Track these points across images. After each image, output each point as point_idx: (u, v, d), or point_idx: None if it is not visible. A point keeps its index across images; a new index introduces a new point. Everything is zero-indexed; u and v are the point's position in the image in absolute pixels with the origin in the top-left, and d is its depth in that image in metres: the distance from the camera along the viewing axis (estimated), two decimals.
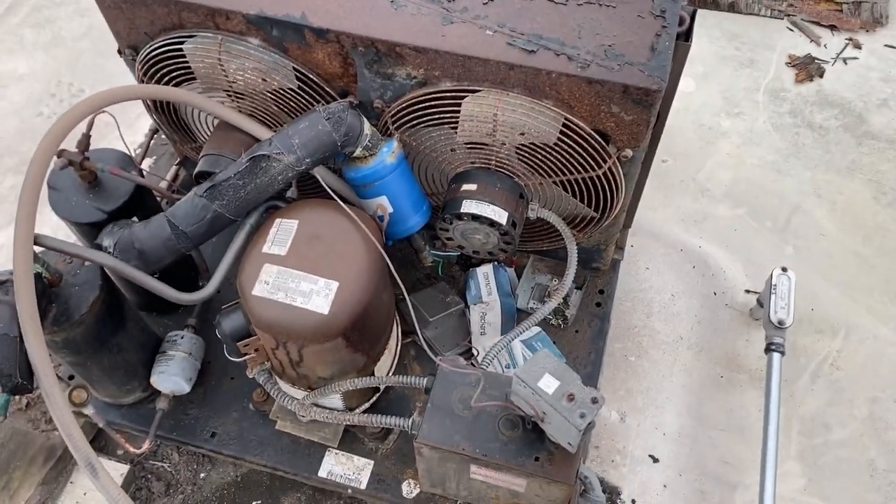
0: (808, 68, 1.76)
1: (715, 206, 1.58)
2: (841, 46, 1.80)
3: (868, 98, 1.71)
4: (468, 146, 1.10)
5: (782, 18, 1.87)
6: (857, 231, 1.55)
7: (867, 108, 1.70)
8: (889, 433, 1.29)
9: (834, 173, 1.62)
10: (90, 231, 1.08)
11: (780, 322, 1.28)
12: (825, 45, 1.81)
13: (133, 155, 1.20)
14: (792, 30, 1.85)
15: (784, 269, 1.33)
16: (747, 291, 1.46)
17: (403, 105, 1.04)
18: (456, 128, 1.06)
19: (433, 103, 1.03)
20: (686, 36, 0.99)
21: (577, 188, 1.10)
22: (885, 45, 1.80)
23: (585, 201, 1.12)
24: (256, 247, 0.99)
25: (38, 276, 0.91)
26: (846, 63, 1.77)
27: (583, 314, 1.31)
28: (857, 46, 1.80)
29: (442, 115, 1.04)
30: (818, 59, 1.77)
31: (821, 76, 1.75)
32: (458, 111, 1.02)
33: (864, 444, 1.28)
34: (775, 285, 1.31)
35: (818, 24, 1.84)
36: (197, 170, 1.08)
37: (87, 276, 1.01)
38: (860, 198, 1.58)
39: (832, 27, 1.83)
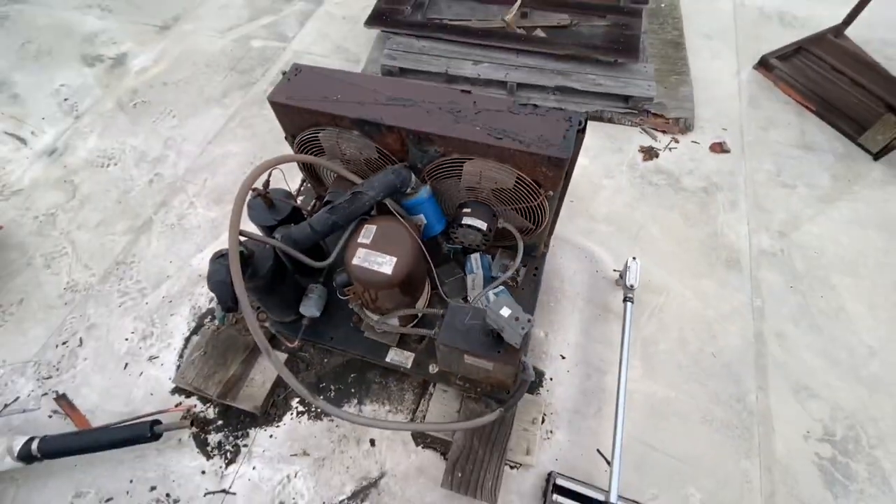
0: (650, 153, 2.55)
1: (598, 225, 2.28)
2: (667, 141, 2.60)
3: (682, 169, 2.50)
4: (466, 189, 1.61)
5: (636, 127, 2.66)
6: (673, 240, 2.25)
7: (681, 175, 2.45)
8: (687, 347, 1.95)
9: (662, 209, 2.35)
10: (268, 231, 1.62)
11: (631, 286, 1.89)
12: (659, 141, 2.61)
13: (292, 192, 1.75)
14: (642, 133, 2.66)
15: (634, 258, 1.93)
16: (615, 270, 2.11)
17: (433, 166, 1.57)
18: (460, 179, 1.58)
19: (448, 165, 1.54)
20: (583, 130, 1.48)
21: (524, 212, 1.61)
22: (692, 142, 2.62)
23: (528, 219, 1.64)
24: (354, 239, 1.49)
25: (241, 253, 1.38)
26: (671, 150, 2.57)
27: (526, 280, 1.87)
28: (676, 141, 2.60)
29: (452, 172, 1.56)
30: (655, 148, 2.57)
31: (657, 157, 2.55)
32: (461, 170, 1.54)
33: (675, 352, 1.93)
34: (629, 266, 1.92)
35: (656, 129, 2.62)
36: (326, 199, 1.62)
37: (266, 253, 1.53)
38: (676, 222, 2.29)
39: (663, 131, 2.64)
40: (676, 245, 2.30)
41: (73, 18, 3.51)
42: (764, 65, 3.02)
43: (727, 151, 2.66)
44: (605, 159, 2.61)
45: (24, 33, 3.41)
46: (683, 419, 1.86)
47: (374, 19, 3.02)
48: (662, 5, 3.33)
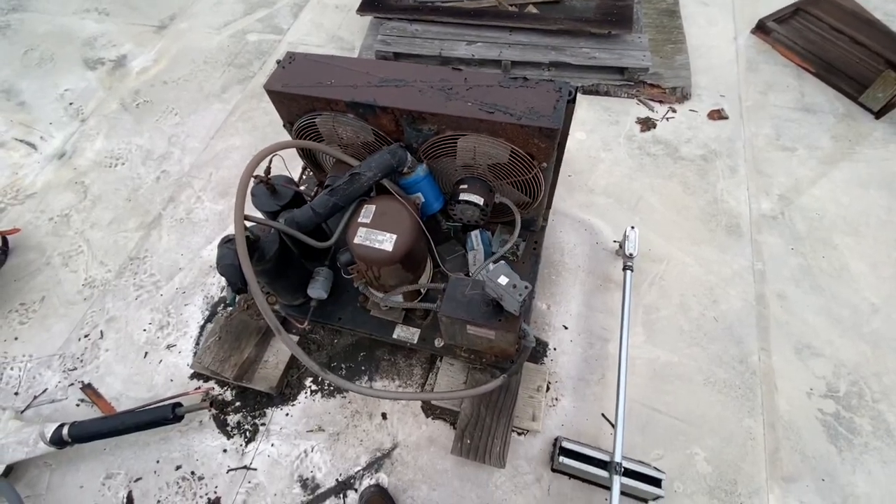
0: (647, 124, 2.54)
1: (597, 198, 2.30)
2: (665, 111, 2.59)
3: (680, 138, 2.49)
4: (462, 165, 1.63)
5: (633, 98, 2.65)
6: (673, 208, 2.26)
7: (679, 144, 2.44)
8: (689, 312, 1.98)
9: (661, 178, 2.36)
10: (272, 216, 1.63)
11: (630, 255, 1.91)
12: (656, 111, 2.60)
13: (293, 178, 1.77)
14: (639, 104, 2.65)
15: (633, 227, 1.94)
16: (615, 242, 2.12)
17: (428, 145, 1.59)
18: (455, 156, 1.59)
19: (443, 143, 1.56)
20: (573, 101, 1.48)
21: (519, 185, 1.63)
22: (690, 110, 2.60)
23: (525, 192, 1.66)
24: (355, 219, 1.51)
25: (247, 237, 1.37)
26: (668, 120, 2.56)
27: (526, 254, 1.88)
28: (674, 111, 2.59)
29: (447, 149, 1.57)
30: (653, 119, 2.56)
31: (654, 128, 2.54)
32: (456, 147, 1.55)
33: (676, 317, 1.96)
34: (628, 236, 1.93)
35: (652, 100, 2.61)
36: (326, 183, 1.64)
37: (272, 237, 1.55)
38: (675, 191, 2.29)
39: (660, 101, 2.62)
40: (676, 213, 2.32)
41: (73, 24, 3.57)
42: (761, 28, 2.99)
43: (725, 118, 2.65)
44: (602, 132, 2.62)
45: (26, 41, 3.48)
46: (686, 382, 1.90)
47: (367, 6, 3.03)
48: None
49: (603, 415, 1.83)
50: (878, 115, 2.63)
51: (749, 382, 1.89)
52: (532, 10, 2.90)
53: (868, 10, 2.88)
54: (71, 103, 3.07)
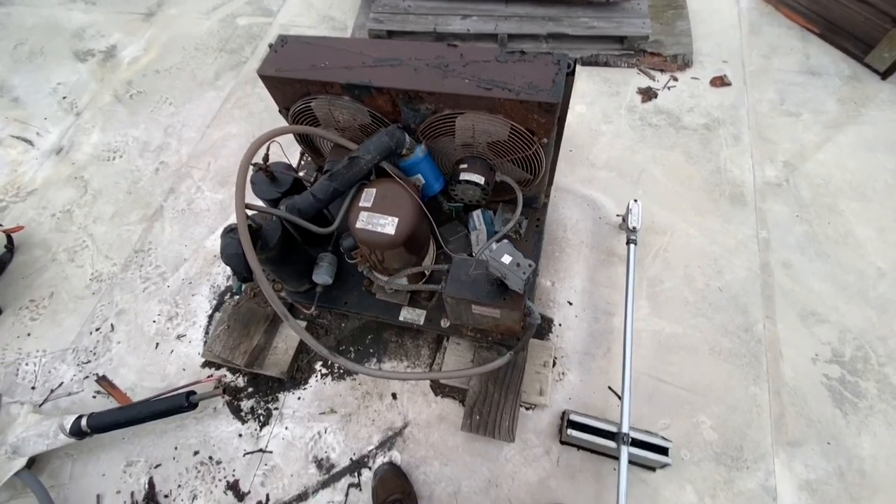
0: (648, 94, 2.49)
1: (598, 172, 2.29)
2: (666, 80, 2.54)
3: (682, 107, 2.45)
4: (461, 145, 1.61)
5: (633, 68, 2.59)
6: (676, 180, 2.24)
7: (681, 113, 2.40)
8: (693, 283, 1.99)
9: (663, 150, 2.33)
10: (272, 203, 1.63)
11: (634, 228, 1.91)
12: (657, 80, 2.54)
13: (293, 165, 1.77)
14: (639, 74, 2.59)
15: (636, 200, 1.94)
16: (618, 216, 2.12)
17: (426, 125, 1.57)
18: (453, 135, 1.57)
19: (441, 122, 1.54)
20: (572, 73, 1.45)
21: (520, 162, 1.61)
22: (691, 78, 2.55)
23: (525, 169, 1.65)
24: (356, 203, 1.51)
25: (249, 226, 1.37)
26: (669, 89, 2.51)
27: (529, 232, 1.88)
28: (675, 79, 2.53)
29: (446, 128, 1.55)
30: (654, 88, 2.51)
31: (656, 97, 2.49)
32: (454, 125, 1.53)
33: (681, 289, 1.97)
34: (631, 209, 1.93)
35: (653, 69, 2.55)
36: (325, 168, 1.62)
37: (274, 225, 1.55)
38: (678, 162, 2.27)
39: (661, 70, 2.56)
40: (679, 184, 2.30)
41: (59, 15, 3.50)
42: None
43: (728, 84, 2.59)
44: (602, 104, 2.58)
45: (15, 35, 3.42)
46: (691, 352, 1.91)
47: None
48: None
49: (609, 387, 1.86)
50: (884, 75, 2.57)
51: (754, 351, 1.90)
52: None
53: None
54: (64, 97, 3.04)
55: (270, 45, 1.71)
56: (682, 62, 2.64)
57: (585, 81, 2.64)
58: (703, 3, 2.93)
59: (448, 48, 1.60)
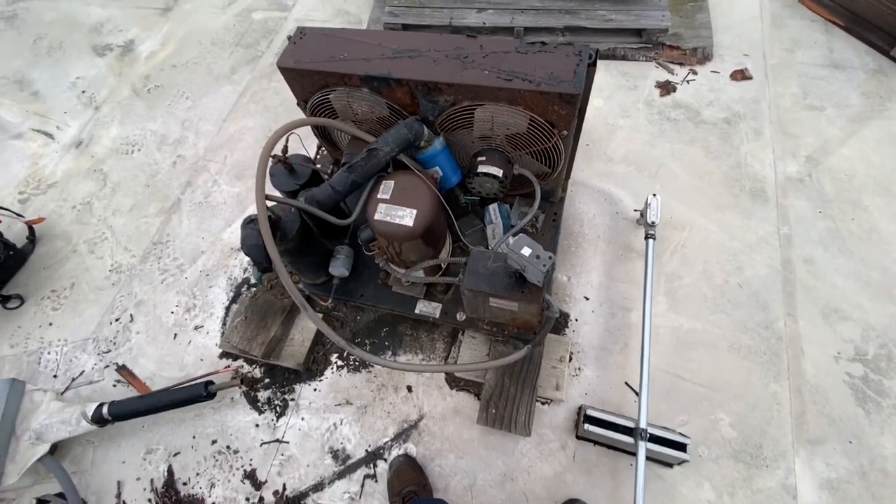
0: (667, 88, 2.44)
1: (615, 166, 2.26)
2: (685, 74, 2.49)
3: (701, 101, 2.40)
4: (479, 137, 1.60)
5: (651, 61, 2.55)
6: (695, 174, 2.21)
7: (701, 107, 2.36)
8: (712, 279, 1.96)
9: (682, 144, 2.29)
10: (291, 195, 1.63)
11: (652, 223, 1.89)
12: (676, 74, 2.49)
13: (311, 157, 1.77)
14: (658, 67, 2.54)
15: (654, 195, 1.92)
16: (635, 210, 2.09)
17: (444, 117, 1.56)
18: (472, 127, 1.57)
19: (460, 114, 1.53)
20: (593, 64, 1.44)
21: (538, 155, 1.60)
22: (711, 71, 2.50)
23: (544, 162, 1.64)
24: (374, 195, 1.51)
25: (269, 217, 1.40)
26: (689, 83, 2.47)
27: (546, 226, 1.88)
28: (695, 73, 2.48)
29: (464, 120, 1.55)
30: (672, 82, 2.47)
31: (674, 91, 2.45)
32: (473, 117, 1.53)
33: (699, 285, 1.94)
34: (650, 203, 1.91)
35: (672, 62, 2.51)
36: (343, 160, 1.65)
37: (293, 217, 1.56)
38: (697, 156, 2.23)
39: (680, 63, 2.51)
40: (698, 179, 2.26)
41: (77, 9, 3.54)
42: None
43: (749, 78, 2.55)
44: (619, 98, 2.54)
45: (34, 30, 3.47)
46: (710, 349, 1.89)
47: None
48: None
49: (626, 383, 1.84)
50: None
51: (775, 348, 1.87)
52: None
53: None
54: (83, 91, 3.08)
55: (289, 37, 1.71)
56: (701, 55, 2.60)
57: (603, 75, 2.60)
58: None
59: (467, 39, 1.59)
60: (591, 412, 1.70)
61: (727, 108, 2.46)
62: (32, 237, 2.46)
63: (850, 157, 2.27)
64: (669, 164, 2.32)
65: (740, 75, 2.55)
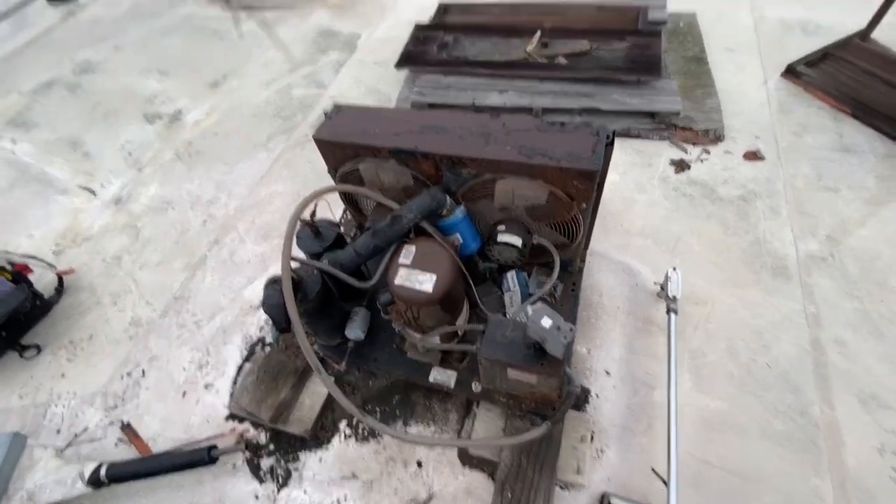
0: (681, 165, 2.53)
1: (633, 239, 2.28)
2: (698, 153, 2.59)
3: (716, 179, 2.47)
4: (499, 208, 1.66)
5: (665, 141, 2.68)
6: (713, 250, 2.21)
7: (716, 184, 2.42)
8: (738, 358, 1.89)
9: (699, 220, 2.33)
10: (315, 257, 1.68)
11: (674, 297, 1.86)
12: (690, 153, 2.59)
13: (337, 221, 1.87)
14: (672, 146, 2.66)
15: (675, 269, 1.92)
16: (655, 283, 2.07)
17: (467, 188, 1.63)
18: (493, 198, 1.62)
19: (481, 186, 1.59)
20: (611, 143, 1.52)
21: (557, 226, 1.64)
22: (724, 152, 2.59)
23: (562, 233, 1.67)
24: (395, 260, 1.54)
25: (291, 277, 1.42)
26: (702, 162, 2.55)
27: (564, 296, 1.86)
28: (707, 152, 2.58)
29: (486, 192, 1.60)
30: (686, 161, 2.56)
31: (689, 169, 2.53)
32: (494, 189, 1.59)
33: (724, 362, 1.86)
34: (670, 277, 1.90)
35: (685, 142, 2.62)
36: (367, 225, 1.70)
37: (314, 278, 1.59)
38: (715, 232, 2.26)
39: (693, 143, 2.63)
40: (717, 255, 2.26)
41: (136, 83, 3.92)
42: (791, 72, 3.01)
43: (762, 159, 2.62)
44: (635, 174, 2.62)
45: (94, 98, 3.83)
46: (740, 433, 1.77)
47: (404, 61, 3.22)
48: (681, 24, 3.40)
49: (653, 469, 1.72)
50: None
51: (811, 436, 1.75)
52: (562, 60, 3.02)
53: None
54: (130, 153, 3.32)
55: (325, 113, 1.85)
56: (713, 136, 2.70)
57: (618, 152, 2.70)
58: (732, 83, 3.04)
59: (491, 118, 1.69)
60: (615, 501, 1.57)
61: (742, 187, 2.51)
62: (60, 287, 2.53)
63: (872, 238, 2.26)
64: (687, 238, 2.33)
65: (753, 156, 2.63)
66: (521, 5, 3.52)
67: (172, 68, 4.00)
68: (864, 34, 3.04)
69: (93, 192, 3.10)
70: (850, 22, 3.19)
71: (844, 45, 3.04)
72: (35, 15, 5.04)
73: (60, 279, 2.55)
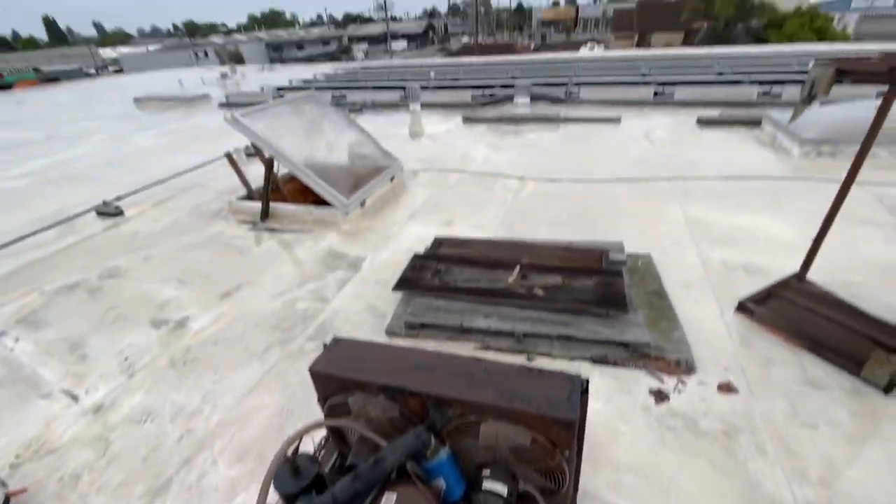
0: (660, 395, 2.64)
1: (624, 476, 2.25)
2: (675, 383, 2.73)
3: (696, 411, 2.57)
4: (484, 447, 1.68)
5: (641, 369, 2.86)
6: (708, 493, 2.17)
7: (697, 417, 2.51)
8: None
9: (687, 456, 2.35)
10: (292, 498, 1.58)
11: None
12: (666, 383, 2.74)
13: (316, 456, 1.85)
14: (647, 375, 2.82)
15: None
16: None
17: (451, 427, 1.68)
18: (478, 439, 1.67)
19: (466, 426, 1.66)
20: (586, 391, 1.64)
21: (543, 472, 1.65)
22: (699, 383, 2.74)
23: (548, 479, 1.67)
24: None
25: None
26: (679, 392, 2.67)
27: None
28: (683, 383, 2.72)
29: (470, 432, 1.65)
30: (664, 391, 2.67)
31: (668, 400, 2.62)
32: (479, 431, 1.64)
33: None
34: None
35: (661, 371, 2.79)
36: (349, 461, 1.72)
37: None
38: (705, 471, 2.26)
39: (668, 373, 2.80)
40: (713, 500, 2.16)
41: (154, 290, 4.28)
42: (743, 309, 3.39)
43: (735, 391, 2.74)
44: (617, 402, 2.69)
45: (110, 302, 4.12)
46: None
47: (401, 284, 3.64)
48: (639, 263, 3.98)
49: None
50: (886, 390, 2.69)
51: None
52: (539, 291, 3.43)
53: (835, 293, 3.31)
54: (126, 358, 3.41)
55: (325, 345, 2.04)
56: (685, 366, 2.88)
57: (598, 379, 2.84)
58: (692, 315, 3.39)
59: (474, 361, 1.87)
60: None
61: (722, 420, 2.55)
62: None
63: (862, 482, 2.21)
64: (678, 477, 2.26)
65: (726, 388, 2.76)
66: (503, 243, 4.17)
67: (191, 278, 4.42)
68: (800, 276, 3.54)
69: (74, 398, 3.07)
70: (783, 265, 3.75)
71: (785, 285, 3.51)
72: (83, 225, 5.81)
73: (7, 499, 2.32)
